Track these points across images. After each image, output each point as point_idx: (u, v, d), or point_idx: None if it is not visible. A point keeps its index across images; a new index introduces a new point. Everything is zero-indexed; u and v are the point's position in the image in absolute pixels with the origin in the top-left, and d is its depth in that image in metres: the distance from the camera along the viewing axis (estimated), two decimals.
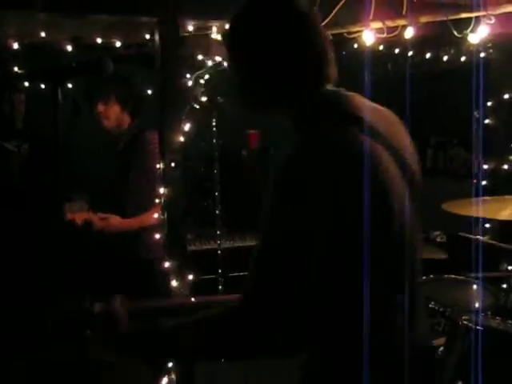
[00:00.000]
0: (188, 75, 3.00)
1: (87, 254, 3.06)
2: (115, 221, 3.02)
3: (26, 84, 3.67)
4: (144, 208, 2.98)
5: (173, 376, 2.69)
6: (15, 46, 3.02)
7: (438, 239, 4.15)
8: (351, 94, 1.42)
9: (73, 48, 2.95)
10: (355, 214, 1.18)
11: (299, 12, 1.40)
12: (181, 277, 2.52)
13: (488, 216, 2.99)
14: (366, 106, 1.40)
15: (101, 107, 3.06)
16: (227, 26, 1.45)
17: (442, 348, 2.39)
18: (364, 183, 1.17)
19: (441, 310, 2.72)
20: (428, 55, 4.35)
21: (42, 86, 3.98)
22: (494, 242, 3.13)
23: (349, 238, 1.20)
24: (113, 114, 3.06)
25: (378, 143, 1.32)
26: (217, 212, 3.42)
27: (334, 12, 2.74)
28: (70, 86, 2.96)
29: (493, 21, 2.46)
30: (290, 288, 1.18)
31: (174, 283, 2.55)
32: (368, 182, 1.19)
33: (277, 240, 1.20)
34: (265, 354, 1.29)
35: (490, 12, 2.46)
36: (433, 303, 2.79)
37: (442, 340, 2.43)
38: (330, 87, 1.42)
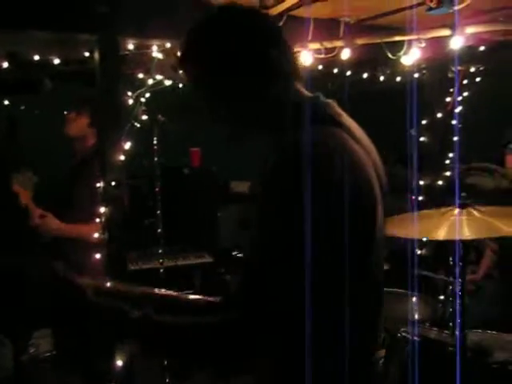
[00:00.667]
0: (129, 93, 3.00)
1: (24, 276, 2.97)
2: (53, 222, 2.95)
3: None
4: (82, 221, 2.94)
5: None
6: None
7: None
8: (330, 100, 1.43)
9: (9, 64, 2.86)
10: (352, 212, 1.17)
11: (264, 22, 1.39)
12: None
13: (424, 236, 3.07)
14: (344, 114, 1.42)
15: (72, 114, 3.00)
16: (188, 41, 1.36)
17: (382, 360, 2.44)
18: (355, 181, 1.21)
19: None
20: (365, 75, 4.50)
21: None
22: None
23: (351, 230, 1.17)
24: (78, 126, 3.00)
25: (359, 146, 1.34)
26: (159, 230, 3.39)
27: None
28: (6, 102, 2.90)
29: (423, 44, 2.58)
30: (289, 289, 1.15)
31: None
32: (359, 180, 1.24)
33: (280, 246, 1.16)
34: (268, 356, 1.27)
35: (421, 36, 2.58)
36: None
37: (382, 352, 2.49)
38: (309, 92, 1.42)
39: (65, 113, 2.99)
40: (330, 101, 1.41)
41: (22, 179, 2.94)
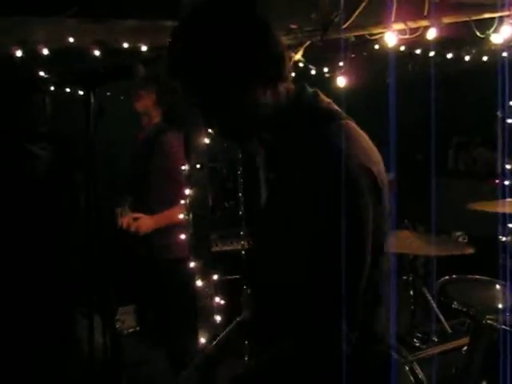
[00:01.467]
0: None
1: (114, 254, 3.11)
2: (146, 221, 3.06)
3: (52, 88, 3.75)
4: (167, 204, 3.02)
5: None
6: (44, 51, 3.08)
7: (460, 240, 4.14)
8: (314, 89, 1.46)
9: (100, 52, 3.00)
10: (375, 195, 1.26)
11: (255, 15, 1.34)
12: (206, 277, 2.56)
13: None
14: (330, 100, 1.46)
15: (143, 91, 3.13)
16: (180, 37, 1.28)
17: (465, 348, 2.40)
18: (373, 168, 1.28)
19: (464, 309, 2.72)
20: (449, 55, 4.34)
21: (68, 90, 4.08)
22: None
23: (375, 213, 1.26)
24: (144, 103, 3.15)
25: None
26: (240, 213, 3.45)
27: (355, 14, 2.76)
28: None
29: None
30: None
31: (199, 283, 2.59)
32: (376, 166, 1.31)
33: (336, 243, 1.17)
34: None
35: None
36: (456, 303, 2.79)
37: (465, 340, 2.44)
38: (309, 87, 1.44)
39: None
40: (316, 90, 1.43)
41: (121, 210, 3.10)
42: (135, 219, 3.03)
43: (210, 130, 2.70)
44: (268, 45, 1.29)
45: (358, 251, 1.21)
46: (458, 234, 4.13)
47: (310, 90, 1.43)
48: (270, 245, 1.37)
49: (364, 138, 1.36)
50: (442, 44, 3.69)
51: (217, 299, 2.61)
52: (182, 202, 2.69)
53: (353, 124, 1.36)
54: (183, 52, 1.27)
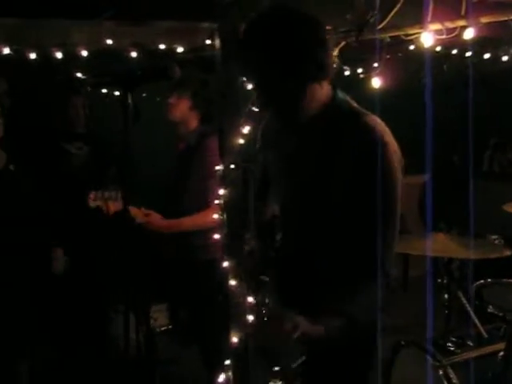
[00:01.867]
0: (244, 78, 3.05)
1: (147, 254, 3.15)
2: (156, 220, 3.07)
3: (89, 89, 3.83)
4: (197, 209, 3.02)
5: (229, 373, 2.75)
6: (83, 53, 3.14)
7: (496, 243, 4.07)
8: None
9: (137, 54, 3.04)
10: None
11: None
12: (239, 276, 2.57)
13: None
14: None
15: (173, 99, 3.06)
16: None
17: (501, 353, 2.36)
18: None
19: (500, 314, 2.68)
20: (487, 55, 4.27)
21: (104, 91, 4.15)
22: None
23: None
24: (181, 108, 3.04)
25: None
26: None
27: (391, 14, 2.74)
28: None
29: None
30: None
31: (231, 282, 2.61)
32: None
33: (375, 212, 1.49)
34: None
35: None
36: (492, 307, 2.75)
37: (501, 345, 2.40)
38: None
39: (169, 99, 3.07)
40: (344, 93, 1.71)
41: (108, 195, 3.07)
42: (147, 215, 3.05)
43: (245, 131, 2.72)
44: (324, 48, 1.56)
45: (396, 216, 1.56)
46: (494, 237, 4.06)
47: (340, 91, 1.71)
48: (319, 218, 1.69)
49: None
50: (479, 44, 3.63)
51: (249, 299, 2.62)
52: (217, 202, 2.71)
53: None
54: (260, 45, 1.54)
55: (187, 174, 3.08)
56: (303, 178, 1.73)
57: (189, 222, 3.00)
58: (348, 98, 1.70)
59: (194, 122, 3.09)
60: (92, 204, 3.00)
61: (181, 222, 3.05)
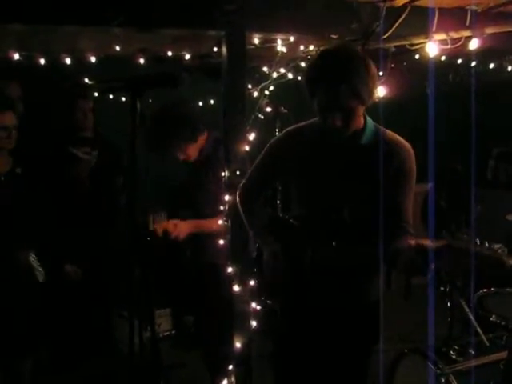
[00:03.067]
0: (250, 85, 3.08)
1: (155, 258, 3.16)
2: (184, 225, 3.05)
3: (96, 94, 3.86)
4: (213, 215, 3.00)
5: (232, 379, 2.76)
6: (92, 59, 3.17)
7: (500, 252, 4.07)
8: None
9: (145, 60, 3.06)
10: None
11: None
12: (243, 281, 2.59)
13: None
14: None
15: (179, 153, 3.06)
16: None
17: (503, 361, 2.37)
18: None
19: (503, 323, 2.68)
20: (491, 65, 4.29)
21: (111, 97, 4.18)
22: None
23: None
24: (191, 152, 3.06)
25: None
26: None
27: (396, 24, 2.77)
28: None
29: None
30: None
31: (235, 288, 2.63)
32: None
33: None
34: None
35: None
36: (494, 316, 2.76)
37: (503, 353, 2.41)
38: None
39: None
40: None
41: (157, 219, 3.10)
42: (174, 225, 3.04)
43: (250, 138, 2.75)
44: (375, 85, 2.03)
45: None
46: (498, 246, 4.06)
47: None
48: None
49: None
50: (483, 54, 3.65)
51: (253, 304, 2.64)
52: (221, 208, 2.73)
53: None
54: (346, 76, 1.93)
55: (202, 179, 3.06)
56: (351, 179, 2.07)
57: (208, 224, 3.00)
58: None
59: (201, 140, 3.09)
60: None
61: (201, 222, 3.06)
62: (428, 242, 2.25)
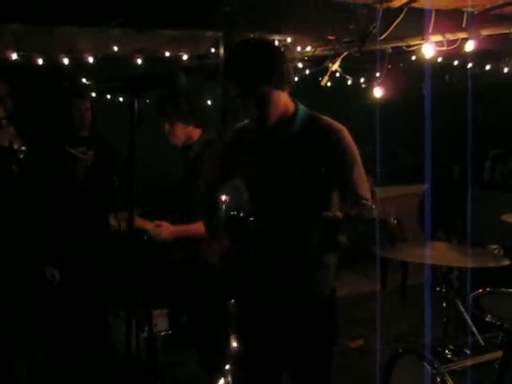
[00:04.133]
0: None
1: (148, 259, 3.17)
2: (168, 229, 3.05)
3: (94, 94, 3.86)
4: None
5: (229, 378, 2.77)
6: (90, 59, 3.17)
7: (496, 253, 4.09)
8: None
9: (142, 61, 3.06)
10: None
11: None
12: None
13: None
14: None
15: (167, 127, 3.08)
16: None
17: (498, 362, 2.38)
18: None
19: (498, 323, 2.69)
20: (488, 67, 4.31)
21: (108, 97, 4.18)
22: None
23: None
24: (178, 133, 3.08)
25: None
26: None
27: (393, 26, 2.78)
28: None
29: None
30: None
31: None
32: None
33: None
34: None
35: None
36: (489, 316, 2.76)
37: (498, 353, 2.42)
38: None
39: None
40: None
41: (120, 216, 3.07)
42: (158, 226, 3.04)
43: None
44: (283, 67, 1.93)
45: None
46: (494, 246, 4.08)
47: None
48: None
49: None
50: (480, 56, 3.67)
51: None
52: None
53: None
54: (244, 62, 1.90)
55: (194, 181, 3.07)
56: (287, 169, 2.01)
57: (196, 227, 3.00)
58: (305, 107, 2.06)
59: (194, 133, 3.09)
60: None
61: (188, 227, 3.05)
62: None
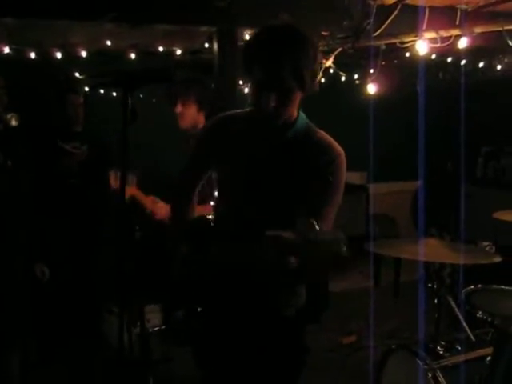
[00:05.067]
0: (241, 82, 3.09)
1: (142, 254, 3.17)
2: (164, 208, 3.03)
3: (87, 89, 3.85)
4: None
5: None
6: (83, 53, 3.16)
7: (488, 249, 4.11)
8: None
9: (136, 55, 3.06)
10: None
11: None
12: None
13: None
14: None
15: (179, 107, 3.03)
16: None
17: (489, 358, 2.39)
18: None
19: (489, 319, 2.71)
20: (481, 64, 4.33)
21: (101, 92, 4.17)
22: None
23: None
24: (190, 114, 2.99)
25: None
26: None
27: (387, 22, 2.79)
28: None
29: None
30: None
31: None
32: None
33: None
34: None
35: None
36: (481, 313, 2.78)
37: (489, 349, 2.43)
38: None
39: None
40: None
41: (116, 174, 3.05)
42: (154, 202, 3.02)
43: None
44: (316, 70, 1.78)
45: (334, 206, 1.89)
46: (486, 243, 4.10)
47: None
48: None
49: None
50: (473, 53, 3.68)
51: None
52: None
53: None
54: (291, 47, 1.71)
55: None
56: (271, 172, 1.84)
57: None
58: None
59: (201, 123, 3.08)
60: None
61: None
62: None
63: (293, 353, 1.93)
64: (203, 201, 2.94)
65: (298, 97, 1.79)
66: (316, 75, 1.79)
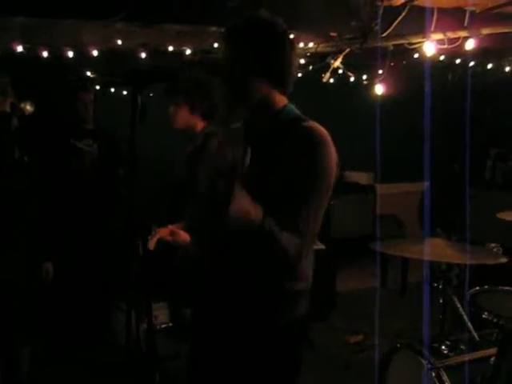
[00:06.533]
0: None
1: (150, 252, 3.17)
2: (182, 236, 2.89)
3: (98, 87, 3.89)
4: None
5: None
6: (94, 52, 3.20)
7: (495, 251, 4.10)
8: None
9: (146, 55, 3.09)
10: None
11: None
12: None
13: None
14: None
15: (171, 109, 3.00)
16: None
17: (493, 358, 2.40)
18: None
19: (494, 320, 2.71)
20: (489, 66, 4.32)
21: (112, 90, 4.21)
22: None
23: None
24: (181, 117, 2.97)
25: None
26: None
27: (395, 23, 2.80)
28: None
29: None
30: None
31: None
32: None
33: None
34: None
35: None
36: (486, 313, 2.79)
37: (494, 350, 2.44)
38: None
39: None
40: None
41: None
42: (174, 233, 2.93)
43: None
44: (284, 58, 1.70)
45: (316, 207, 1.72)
46: (493, 244, 4.10)
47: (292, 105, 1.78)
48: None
49: None
50: (482, 54, 3.68)
51: None
52: None
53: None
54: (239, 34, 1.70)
55: (195, 174, 3.04)
56: (255, 164, 1.73)
57: None
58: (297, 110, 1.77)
59: (198, 124, 3.05)
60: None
61: None
62: None
63: (276, 366, 1.73)
64: None
65: (259, 84, 1.68)
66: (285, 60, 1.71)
